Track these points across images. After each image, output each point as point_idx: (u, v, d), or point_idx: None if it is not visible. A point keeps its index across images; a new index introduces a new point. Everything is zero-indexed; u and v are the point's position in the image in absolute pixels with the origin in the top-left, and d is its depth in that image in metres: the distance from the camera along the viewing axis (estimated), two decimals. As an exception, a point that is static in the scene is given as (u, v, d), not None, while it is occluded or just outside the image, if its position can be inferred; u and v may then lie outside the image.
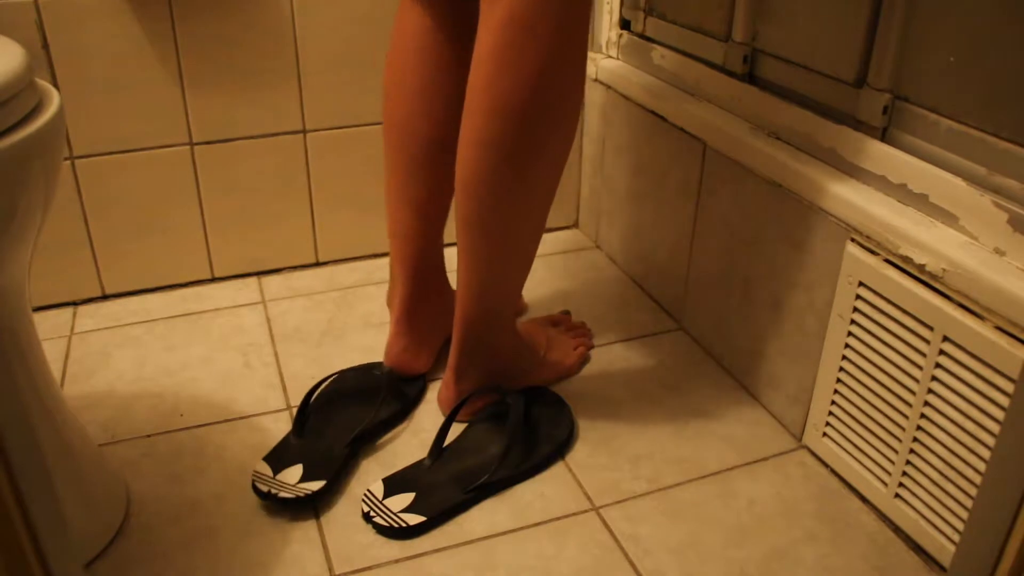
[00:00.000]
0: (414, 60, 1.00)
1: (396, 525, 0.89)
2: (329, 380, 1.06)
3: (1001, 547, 0.51)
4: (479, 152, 0.87)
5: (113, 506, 0.90)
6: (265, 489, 0.91)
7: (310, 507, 0.92)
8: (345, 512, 0.92)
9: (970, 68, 0.80)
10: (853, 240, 0.89)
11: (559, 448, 1.01)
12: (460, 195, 0.91)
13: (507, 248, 0.94)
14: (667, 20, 1.25)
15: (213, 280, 1.37)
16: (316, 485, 0.92)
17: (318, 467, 0.94)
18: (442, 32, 0.98)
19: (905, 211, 0.85)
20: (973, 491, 0.79)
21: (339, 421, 0.99)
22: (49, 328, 1.24)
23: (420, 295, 1.09)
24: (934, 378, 0.81)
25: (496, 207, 0.89)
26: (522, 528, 0.90)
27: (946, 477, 0.81)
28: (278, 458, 0.96)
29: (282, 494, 0.90)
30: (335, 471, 0.94)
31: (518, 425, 0.98)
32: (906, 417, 0.85)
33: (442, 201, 1.07)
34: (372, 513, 0.90)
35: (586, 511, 0.93)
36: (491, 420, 1.02)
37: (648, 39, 1.29)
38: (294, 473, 0.93)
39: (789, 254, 0.99)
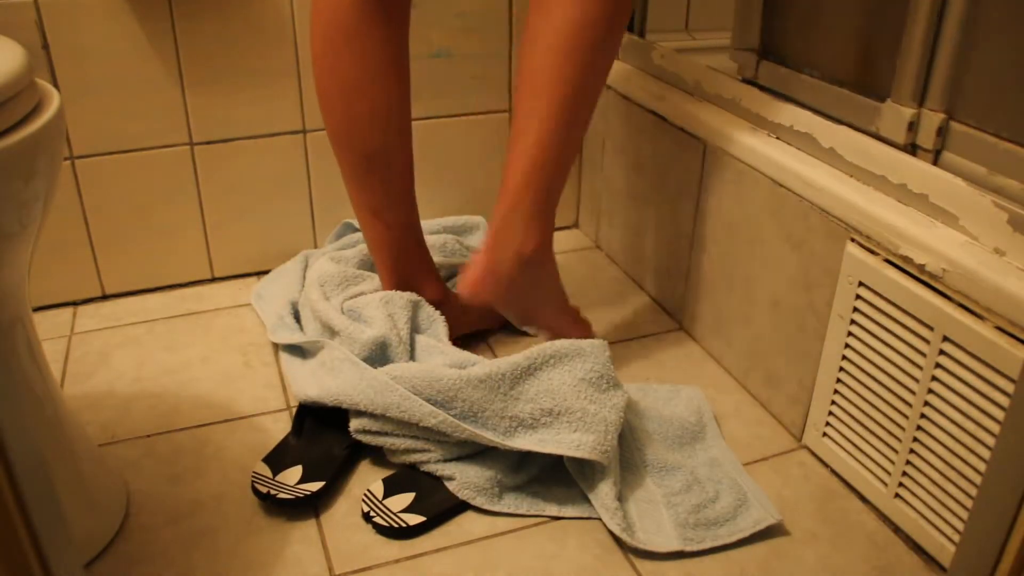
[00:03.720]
0: (345, 50, 0.96)
1: (396, 525, 0.89)
2: (329, 380, 1.06)
3: (1001, 547, 0.51)
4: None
5: (113, 506, 0.90)
6: (264, 490, 0.91)
7: (310, 507, 0.92)
8: (345, 512, 0.92)
9: (971, 68, 0.80)
10: (853, 240, 0.89)
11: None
12: (553, 54, 0.91)
13: (588, 103, 0.96)
14: (794, 67, 1.04)
15: (213, 280, 1.37)
16: (315, 486, 0.92)
17: (317, 468, 0.94)
18: (374, 7, 0.94)
19: (905, 211, 0.85)
20: (973, 491, 0.79)
21: (338, 422, 0.99)
22: (49, 328, 1.24)
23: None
24: (934, 378, 0.81)
25: (592, 63, 0.92)
26: (522, 528, 0.90)
27: (946, 477, 0.81)
28: (277, 459, 0.96)
29: (281, 495, 0.90)
30: (334, 472, 0.94)
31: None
32: (906, 417, 0.85)
33: (401, 205, 1.06)
34: (372, 513, 0.90)
35: (586, 511, 0.93)
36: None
37: (765, 88, 1.07)
38: (293, 474, 0.93)
39: (788, 254, 0.99)
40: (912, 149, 0.88)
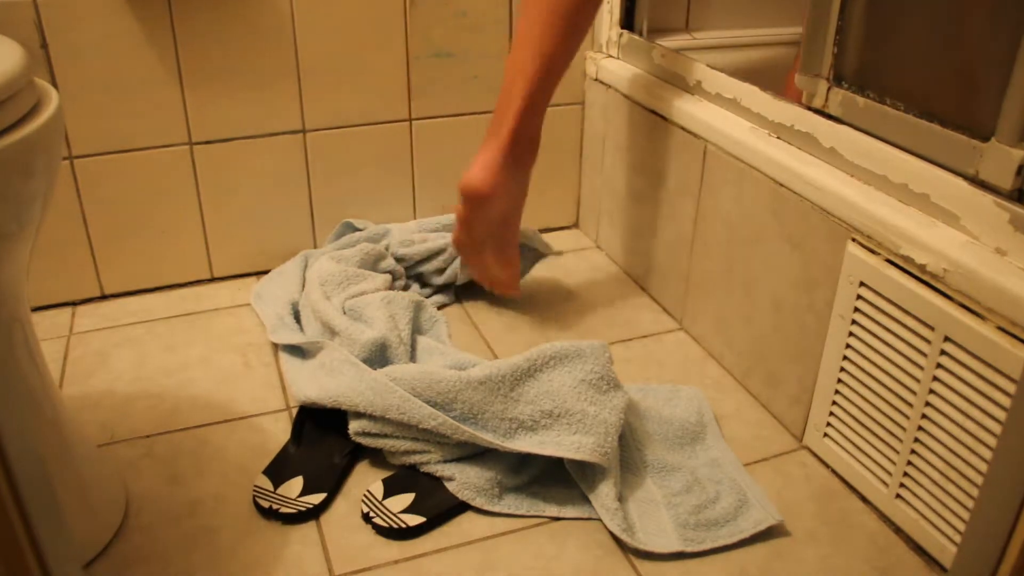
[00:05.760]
0: None
1: (396, 526, 0.88)
2: (329, 380, 1.06)
3: (1002, 547, 0.51)
4: None
5: (112, 506, 0.90)
6: (267, 505, 0.90)
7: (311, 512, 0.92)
8: (345, 512, 0.92)
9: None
10: (854, 240, 0.89)
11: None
12: None
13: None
14: (874, 98, 0.90)
15: (213, 280, 1.36)
16: (317, 498, 0.91)
17: (318, 479, 0.94)
18: None
19: (906, 211, 0.85)
20: (974, 491, 0.79)
21: (338, 425, 0.98)
22: (48, 328, 1.24)
23: (522, 133, 1.13)
24: (935, 378, 0.81)
25: None
26: (522, 529, 0.90)
27: (947, 477, 0.81)
28: (278, 471, 0.95)
29: (284, 509, 0.90)
30: (336, 481, 0.94)
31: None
32: (907, 417, 0.85)
33: (569, 50, 1.11)
34: (372, 514, 0.90)
35: (586, 511, 0.93)
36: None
37: (832, 118, 0.95)
38: (295, 486, 0.92)
39: (789, 254, 0.99)
40: (1019, 195, 0.76)
